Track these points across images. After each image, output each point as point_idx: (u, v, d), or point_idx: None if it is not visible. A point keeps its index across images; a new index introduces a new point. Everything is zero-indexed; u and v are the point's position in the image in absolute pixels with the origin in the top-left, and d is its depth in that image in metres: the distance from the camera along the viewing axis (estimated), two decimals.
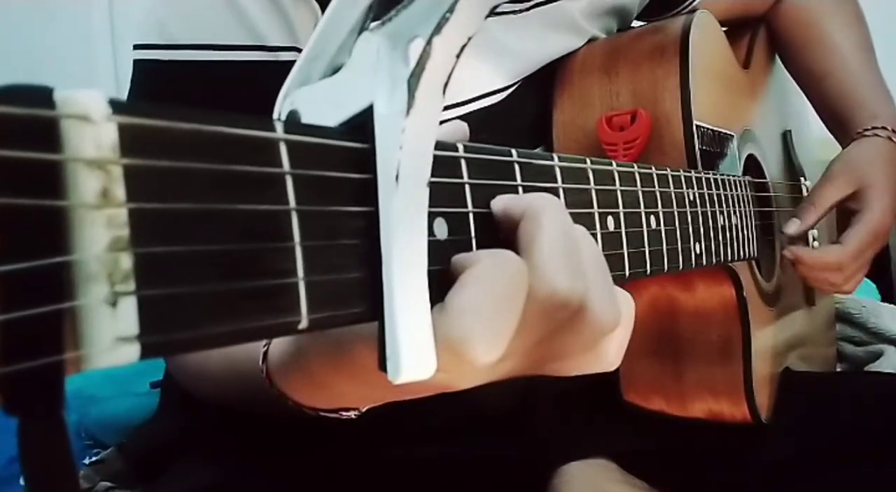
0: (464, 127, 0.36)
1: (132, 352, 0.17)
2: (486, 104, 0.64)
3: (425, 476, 0.62)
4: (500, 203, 0.30)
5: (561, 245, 0.28)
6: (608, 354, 0.32)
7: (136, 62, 0.58)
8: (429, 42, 0.23)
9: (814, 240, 0.89)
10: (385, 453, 0.60)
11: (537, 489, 0.65)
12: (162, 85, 0.57)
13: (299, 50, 0.56)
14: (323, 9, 0.56)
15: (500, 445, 0.65)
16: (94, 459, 0.66)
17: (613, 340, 0.32)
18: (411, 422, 0.54)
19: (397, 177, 0.23)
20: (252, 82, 0.54)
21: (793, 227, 0.75)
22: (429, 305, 0.24)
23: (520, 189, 0.32)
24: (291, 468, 0.57)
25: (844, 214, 0.78)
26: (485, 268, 0.26)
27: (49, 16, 1.66)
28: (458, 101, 0.62)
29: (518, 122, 0.66)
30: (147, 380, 0.83)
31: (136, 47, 0.58)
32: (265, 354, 0.40)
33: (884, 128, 0.79)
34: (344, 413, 0.39)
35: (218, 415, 0.58)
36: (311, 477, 0.57)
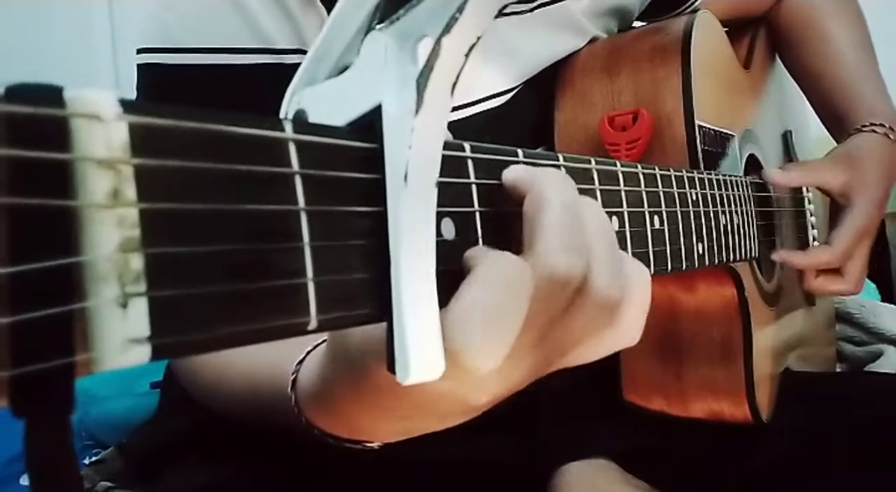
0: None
1: (143, 354, 0.17)
2: (489, 106, 0.64)
3: (425, 476, 0.62)
4: (510, 174, 0.30)
5: (561, 221, 0.28)
6: (624, 327, 0.31)
7: (140, 67, 0.58)
8: (438, 41, 0.23)
9: (814, 240, 0.89)
10: (384, 453, 0.60)
11: (537, 489, 0.65)
12: (167, 89, 0.57)
13: (306, 53, 0.56)
14: (329, 11, 0.56)
15: (501, 445, 0.65)
16: (94, 459, 0.66)
17: (629, 312, 0.31)
18: None
19: (406, 177, 0.23)
20: (258, 85, 0.54)
21: (772, 174, 0.74)
22: (437, 305, 0.24)
23: None
24: (291, 468, 0.57)
25: (835, 210, 0.78)
26: (483, 273, 0.26)
27: (49, 16, 1.65)
28: (463, 103, 0.62)
29: (520, 123, 0.66)
30: (147, 380, 0.83)
31: (140, 51, 0.58)
32: (293, 381, 0.40)
33: (881, 125, 0.79)
34: (367, 444, 0.39)
35: (218, 416, 0.58)
36: (310, 477, 0.57)
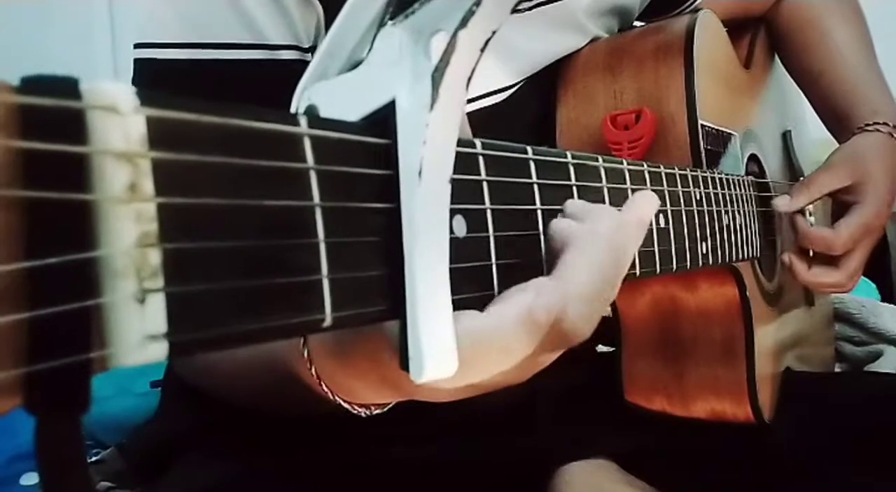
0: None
1: (160, 350, 0.17)
2: (488, 103, 0.64)
3: (426, 476, 0.61)
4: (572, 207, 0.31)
5: (589, 258, 0.29)
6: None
7: (137, 61, 0.58)
8: (454, 35, 0.22)
9: None
10: (386, 453, 0.60)
11: (537, 489, 0.65)
12: (162, 84, 0.56)
13: (300, 49, 0.56)
14: (326, 8, 0.56)
15: (501, 445, 0.64)
16: (94, 459, 0.66)
17: None
18: (412, 422, 0.54)
19: (420, 172, 0.23)
20: (253, 81, 0.54)
21: (782, 201, 0.74)
22: (451, 303, 0.24)
23: (535, 186, 0.32)
24: (292, 468, 0.57)
25: (841, 208, 0.78)
26: (508, 318, 0.27)
27: (49, 16, 1.65)
28: None
29: (520, 121, 0.66)
30: (147, 380, 0.82)
31: (137, 46, 0.57)
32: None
33: (885, 123, 0.79)
34: (374, 408, 0.39)
35: (218, 415, 0.58)
36: (311, 477, 0.57)
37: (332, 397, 0.38)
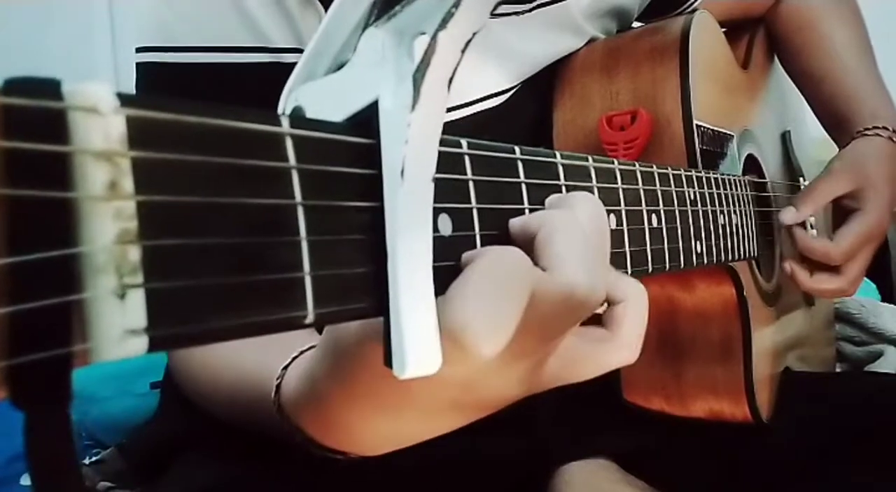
0: None
1: (140, 345, 0.17)
2: (488, 106, 0.64)
3: (425, 476, 0.62)
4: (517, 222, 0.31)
5: (591, 242, 0.30)
6: (624, 341, 0.33)
7: (139, 65, 0.58)
8: (434, 36, 0.23)
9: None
10: (385, 454, 0.60)
11: (537, 489, 0.65)
12: (165, 87, 0.57)
13: (303, 51, 0.56)
14: (327, 10, 0.56)
15: (500, 445, 0.64)
16: (94, 459, 0.66)
17: (627, 326, 0.32)
18: None
19: (402, 172, 0.23)
20: (256, 84, 0.54)
21: (788, 214, 0.75)
22: (434, 300, 0.24)
23: (522, 186, 0.32)
24: (291, 469, 0.57)
25: (842, 213, 0.78)
26: (485, 259, 0.26)
27: (49, 16, 1.66)
28: (461, 102, 0.62)
29: (518, 123, 0.66)
30: (147, 380, 0.83)
31: (139, 50, 0.58)
32: (278, 386, 0.40)
33: (885, 128, 0.79)
34: (349, 454, 0.39)
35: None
36: (311, 478, 0.57)
37: (298, 439, 0.39)
